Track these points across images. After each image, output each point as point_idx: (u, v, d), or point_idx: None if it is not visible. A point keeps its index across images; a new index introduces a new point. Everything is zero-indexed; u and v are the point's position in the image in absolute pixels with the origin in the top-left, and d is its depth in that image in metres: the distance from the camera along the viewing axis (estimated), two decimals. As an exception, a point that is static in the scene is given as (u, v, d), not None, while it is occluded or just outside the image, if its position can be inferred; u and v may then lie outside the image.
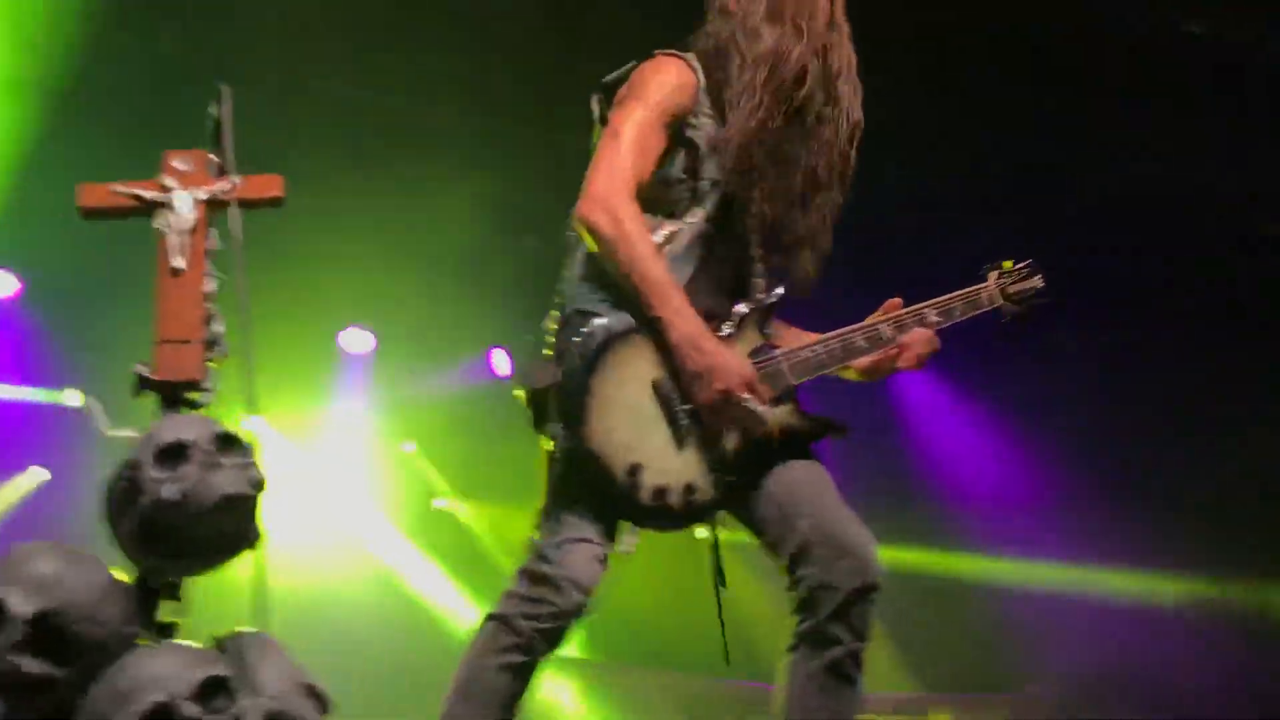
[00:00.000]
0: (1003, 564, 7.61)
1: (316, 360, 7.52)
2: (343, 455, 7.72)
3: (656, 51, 2.54)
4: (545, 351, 2.37)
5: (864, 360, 2.54)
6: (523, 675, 2.34)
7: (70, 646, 1.89)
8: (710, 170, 2.47)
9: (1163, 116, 5.96)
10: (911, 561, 7.37)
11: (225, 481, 1.97)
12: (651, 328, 2.33)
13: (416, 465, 7.82)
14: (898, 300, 2.60)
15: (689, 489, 2.31)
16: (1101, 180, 6.45)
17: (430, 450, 7.81)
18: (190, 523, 1.97)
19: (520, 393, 2.37)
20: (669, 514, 2.32)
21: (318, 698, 2.26)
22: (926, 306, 2.58)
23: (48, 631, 1.87)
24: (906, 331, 2.53)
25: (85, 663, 1.91)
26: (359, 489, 7.65)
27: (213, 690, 1.97)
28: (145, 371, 2.13)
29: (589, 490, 2.32)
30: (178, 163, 2.39)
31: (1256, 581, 6.88)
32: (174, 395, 2.13)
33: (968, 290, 2.64)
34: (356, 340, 7.47)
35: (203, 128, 2.40)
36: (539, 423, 2.35)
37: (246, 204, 2.34)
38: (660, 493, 2.29)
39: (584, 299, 2.40)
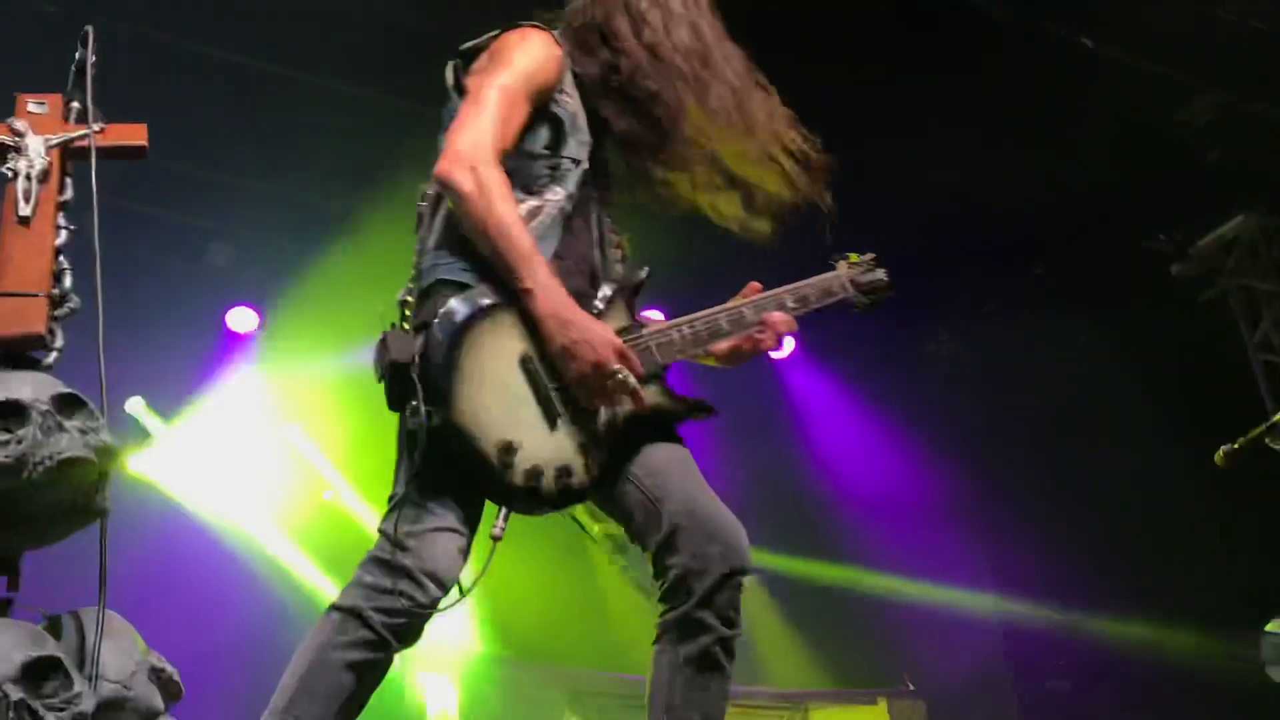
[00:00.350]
0: (877, 574, 7.71)
1: (200, 339, 7.25)
2: (226, 439, 7.45)
3: (520, 23, 2.45)
4: (403, 325, 2.24)
5: (725, 344, 2.51)
6: (372, 673, 2.17)
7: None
8: (572, 149, 2.40)
9: (1043, 124, 6.08)
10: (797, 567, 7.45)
11: (66, 445, 1.82)
12: (516, 300, 2.21)
13: (302, 453, 7.58)
14: (757, 284, 2.58)
15: (563, 471, 2.20)
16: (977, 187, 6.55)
17: (319, 434, 7.57)
18: (26, 489, 1.82)
19: (376, 367, 2.22)
20: (540, 497, 2.18)
21: (166, 682, 2.13)
22: (783, 292, 2.58)
23: None
24: (767, 314, 2.52)
25: (-100, 640, 1.75)
26: (241, 474, 7.38)
27: (44, 672, 1.83)
28: (-18, 325, 1.97)
29: (454, 472, 2.17)
30: (33, 106, 2.24)
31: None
32: (14, 352, 1.97)
33: (820, 278, 2.67)
34: (241, 319, 7.21)
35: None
36: (399, 400, 2.19)
37: (106, 153, 2.18)
38: (534, 474, 2.16)
39: (445, 269, 2.28)
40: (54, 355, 2.01)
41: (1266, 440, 5.92)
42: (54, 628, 1.97)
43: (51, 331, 2.00)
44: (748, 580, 2.28)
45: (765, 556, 7.93)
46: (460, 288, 2.23)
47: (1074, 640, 7.13)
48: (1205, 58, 5.86)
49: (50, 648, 1.84)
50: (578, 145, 2.41)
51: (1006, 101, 5.95)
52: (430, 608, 2.15)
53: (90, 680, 1.89)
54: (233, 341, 7.28)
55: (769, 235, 2.60)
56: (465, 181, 2.22)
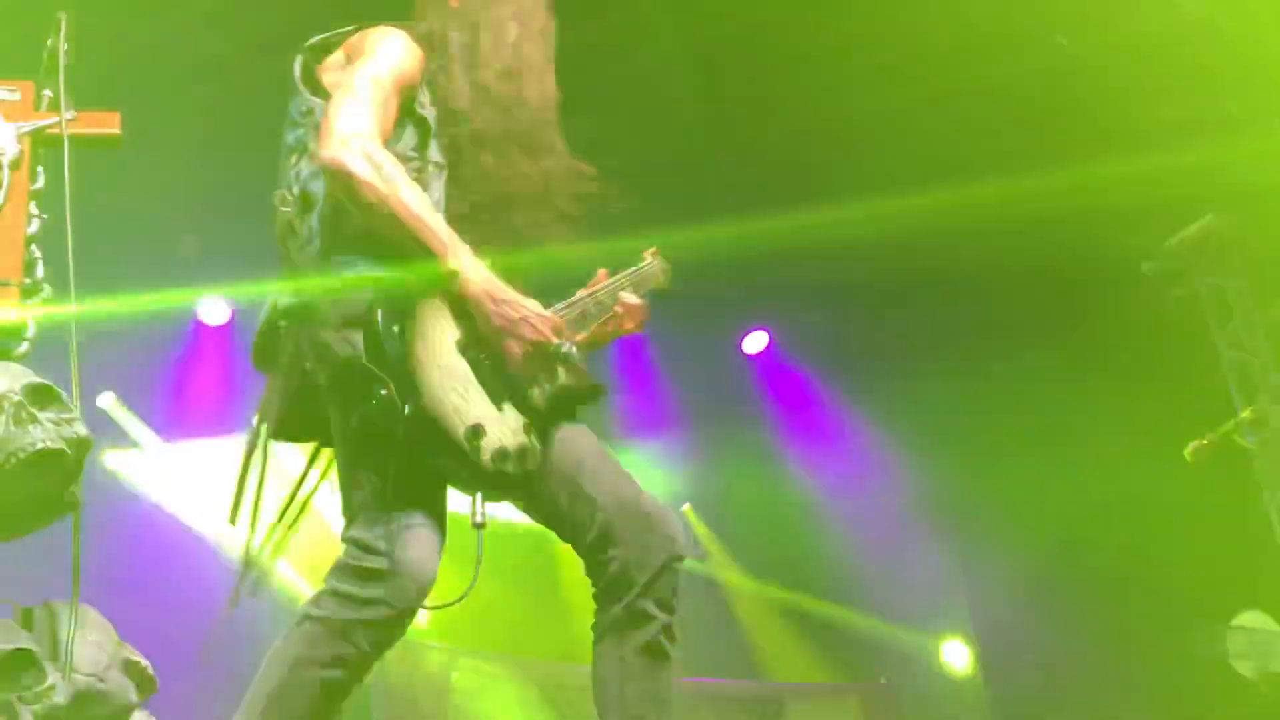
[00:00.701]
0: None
1: (173, 331, 7.20)
2: (198, 432, 7.39)
3: (378, 23, 2.39)
4: (318, 330, 2.12)
5: (594, 327, 2.49)
6: (347, 686, 2.10)
7: None
8: (435, 153, 2.33)
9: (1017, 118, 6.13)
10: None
11: (39, 437, 1.80)
12: (434, 280, 2.13)
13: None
14: (605, 271, 2.56)
15: (521, 452, 2.14)
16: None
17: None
18: (-2, 481, 1.80)
19: (321, 375, 2.12)
20: (508, 479, 2.12)
21: (140, 675, 2.11)
22: (623, 278, 2.57)
23: None
24: (625, 297, 2.51)
25: None
26: (214, 468, 7.33)
27: (17, 665, 1.81)
28: (-48, 314, 1.94)
29: (415, 466, 2.08)
30: (4, 93, 2.21)
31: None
32: (-16, 342, 1.94)
33: (644, 266, 2.67)
34: (213, 311, 7.17)
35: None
36: (359, 397, 2.06)
37: (79, 141, 2.16)
38: (501, 456, 2.09)
39: (347, 266, 2.17)
40: (26, 345, 1.98)
41: (1235, 436, 6.02)
42: (26, 620, 1.95)
43: (24, 321, 1.97)
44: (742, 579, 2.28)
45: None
46: (374, 283, 2.13)
47: (1045, 633, 7.19)
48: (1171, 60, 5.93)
49: (23, 640, 1.82)
50: (439, 149, 2.34)
51: (984, 99, 6.00)
52: (410, 612, 2.09)
53: (63, 673, 1.87)
54: (205, 334, 7.24)
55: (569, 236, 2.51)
56: (361, 166, 2.10)
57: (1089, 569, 6.87)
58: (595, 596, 2.27)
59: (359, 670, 2.12)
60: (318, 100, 2.31)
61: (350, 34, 2.39)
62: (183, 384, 7.32)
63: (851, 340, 7.88)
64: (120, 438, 7.15)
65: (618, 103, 6.07)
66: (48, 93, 2.28)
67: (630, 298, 2.51)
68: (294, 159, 2.32)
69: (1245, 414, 5.95)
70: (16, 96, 2.17)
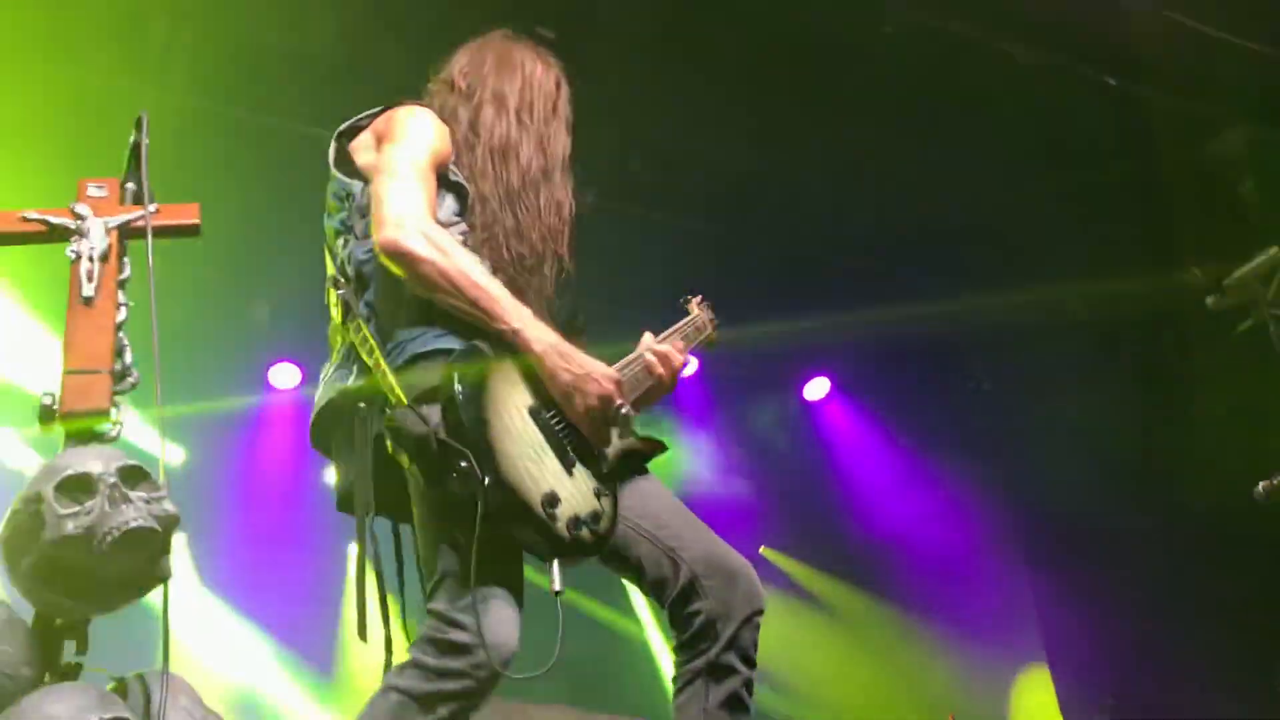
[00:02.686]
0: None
1: (244, 395, 7.38)
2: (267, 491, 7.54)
3: (402, 101, 2.49)
4: (393, 411, 2.12)
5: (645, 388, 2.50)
6: None
7: (-39, 688, 1.81)
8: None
9: (1075, 162, 6.14)
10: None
11: (132, 516, 1.90)
12: (505, 347, 2.19)
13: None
14: (649, 334, 2.58)
15: (595, 517, 2.17)
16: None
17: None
18: (94, 559, 1.90)
19: (402, 456, 2.11)
20: (583, 546, 2.14)
21: (226, 741, 2.19)
22: (670, 334, 2.62)
23: (-63, 672, 1.79)
24: (652, 347, 2.51)
25: (-22, 705, 1.83)
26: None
27: (114, 733, 1.90)
28: (51, 402, 2.06)
29: (493, 536, 2.06)
30: (93, 189, 2.34)
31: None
32: (80, 426, 2.06)
33: (688, 320, 2.74)
34: (284, 376, 7.34)
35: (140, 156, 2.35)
36: (439, 472, 2.07)
37: (162, 232, 2.28)
38: (575, 522, 2.13)
39: (417, 343, 2.20)
40: (117, 428, 2.09)
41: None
42: (120, 689, 2.04)
43: (114, 405, 2.09)
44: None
45: (821, 582, 7.99)
46: (444, 354, 2.17)
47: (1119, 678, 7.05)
48: (1235, 91, 5.91)
49: (119, 709, 1.91)
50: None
51: (1036, 141, 6.03)
52: (492, 683, 2.09)
53: (156, 741, 1.95)
54: (275, 397, 7.41)
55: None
56: (420, 246, 2.16)
57: (1164, 619, 6.72)
58: (677, 649, 2.32)
59: None
60: (353, 182, 2.41)
61: (376, 115, 2.49)
62: (255, 447, 7.49)
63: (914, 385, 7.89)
64: (194, 498, 7.33)
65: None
66: (131, 186, 2.41)
67: (664, 348, 2.49)
68: (341, 241, 2.41)
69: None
70: (104, 193, 2.30)
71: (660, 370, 2.46)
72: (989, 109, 5.80)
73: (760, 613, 2.31)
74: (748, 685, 2.28)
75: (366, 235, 2.34)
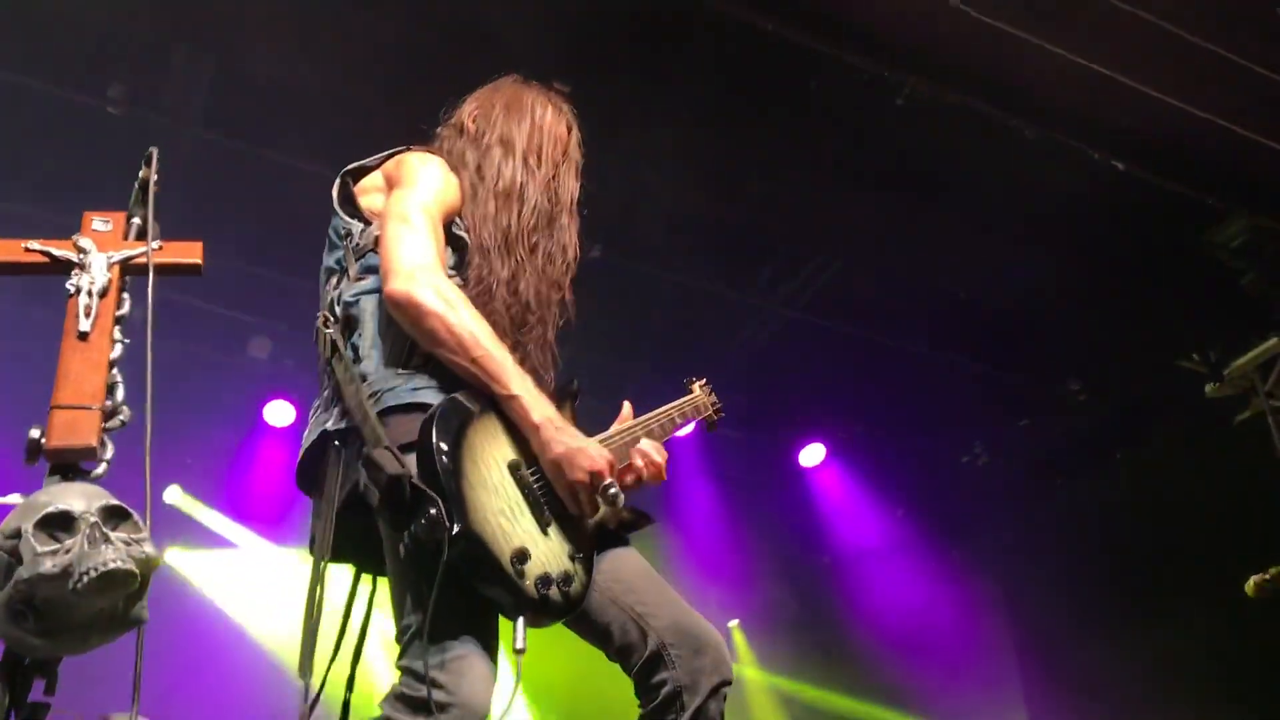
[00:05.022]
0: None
1: (238, 432, 7.36)
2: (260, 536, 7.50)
3: (411, 146, 2.51)
4: (370, 449, 2.09)
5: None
6: None
7: (-75, 725, 1.77)
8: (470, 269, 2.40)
9: (1078, 243, 6.16)
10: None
11: (111, 557, 1.87)
12: (494, 407, 2.19)
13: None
14: (629, 408, 2.55)
15: (564, 579, 2.13)
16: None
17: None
18: (70, 598, 1.87)
19: (373, 494, 2.07)
20: (550, 606, 2.10)
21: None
22: (672, 408, 2.62)
23: (-99, 708, 1.75)
24: (638, 449, 2.43)
25: (-60, 743, 1.79)
26: (275, 572, 7.39)
27: (77, 779, 1.86)
28: (37, 435, 2.04)
29: (465, 590, 2.04)
30: (98, 223, 2.33)
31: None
32: (66, 462, 2.03)
33: (684, 400, 2.72)
34: (279, 413, 7.32)
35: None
36: (406, 517, 2.03)
37: (163, 270, 2.27)
38: (544, 581, 2.09)
39: (399, 393, 2.19)
40: (103, 466, 2.07)
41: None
42: (87, 734, 2.00)
43: (102, 443, 2.06)
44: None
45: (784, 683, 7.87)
46: (422, 408, 2.15)
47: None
48: (1236, 180, 5.95)
49: (83, 755, 1.87)
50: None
51: (1041, 220, 6.06)
52: None
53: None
54: (269, 434, 7.38)
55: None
56: (430, 299, 2.17)
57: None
58: (643, 718, 2.28)
59: None
60: (355, 223, 2.41)
61: (386, 158, 2.50)
62: (246, 484, 7.46)
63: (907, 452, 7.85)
64: (183, 532, 7.29)
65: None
66: (136, 221, 2.40)
67: (654, 454, 2.43)
68: (335, 280, 2.40)
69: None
70: (109, 227, 2.29)
71: (645, 475, 2.41)
72: (992, 186, 5.85)
73: (728, 683, 2.28)
74: None
75: (359, 277, 2.35)
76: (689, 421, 2.72)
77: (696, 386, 2.80)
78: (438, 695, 2.01)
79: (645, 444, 2.44)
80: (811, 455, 7.89)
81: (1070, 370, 7.18)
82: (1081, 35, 5.10)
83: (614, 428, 2.48)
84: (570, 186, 2.61)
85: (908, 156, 5.76)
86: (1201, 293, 6.45)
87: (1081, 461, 7.36)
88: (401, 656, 2.11)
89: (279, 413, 7.28)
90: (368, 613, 2.37)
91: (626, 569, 2.34)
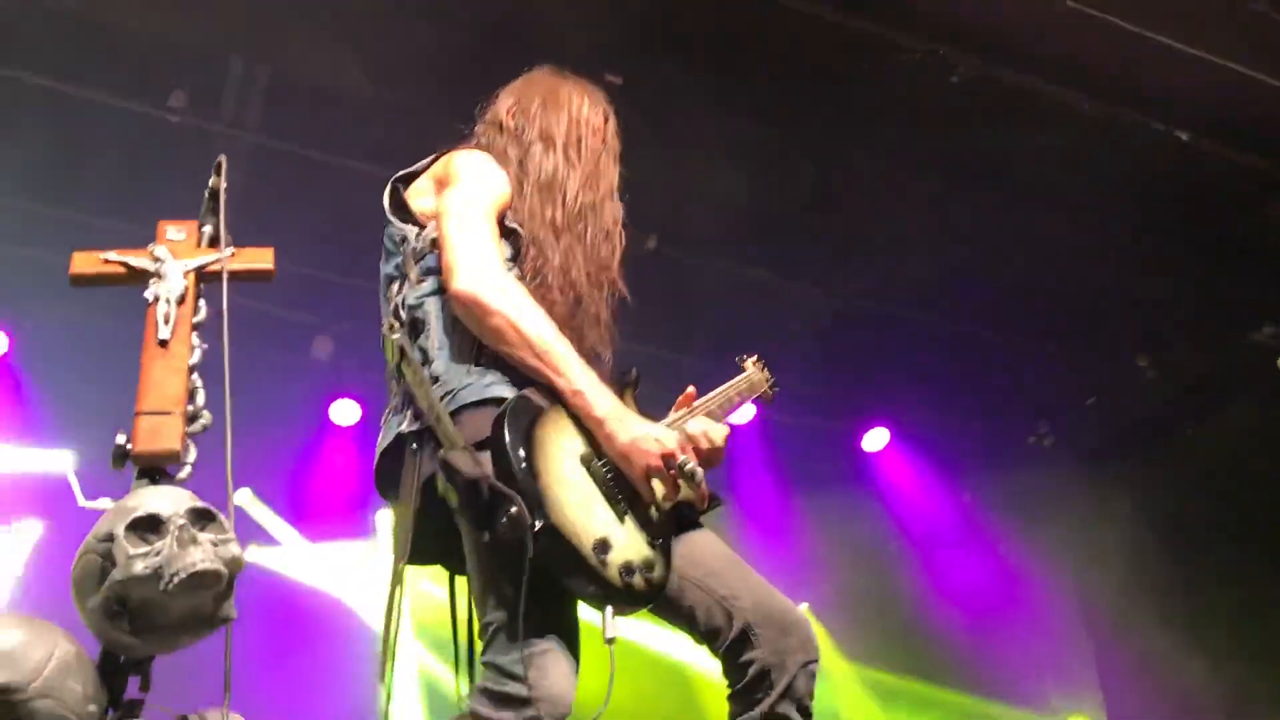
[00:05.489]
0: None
1: (304, 432, 7.46)
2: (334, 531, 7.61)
3: (460, 145, 2.53)
4: (447, 452, 2.12)
5: None
6: None
7: (28, 723, 1.84)
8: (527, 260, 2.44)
9: (1143, 218, 6.06)
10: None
11: (199, 558, 1.92)
12: (559, 402, 2.22)
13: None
14: (691, 391, 2.56)
15: (648, 565, 2.16)
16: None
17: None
18: (161, 598, 1.93)
19: (452, 496, 2.11)
20: (635, 593, 2.13)
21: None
22: (729, 388, 2.63)
23: (5, 706, 1.82)
24: (706, 434, 2.43)
25: (43, 740, 1.85)
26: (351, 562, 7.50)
27: (174, 773, 1.91)
28: (123, 442, 2.10)
29: (546, 584, 2.05)
30: (172, 232, 2.39)
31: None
32: (151, 467, 2.09)
33: (741, 379, 2.74)
34: (345, 412, 7.40)
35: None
36: (487, 517, 2.06)
37: (236, 276, 2.32)
38: (628, 569, 2.12)
39: (471, 390, 2.22)
40: (187, 469, 2.13)
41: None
42: (182, 729, 2.06)
43: (186, 447, 2.12)
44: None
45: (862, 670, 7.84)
46: (496, 403, 2.19)
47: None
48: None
49: (179, 750, 1.93)
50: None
51: (1103, 196, 5.96)
52: None
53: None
54: (335, 434, 7.47)
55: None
56: (496, 298, 2.22)
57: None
58: (731, 698, 2.30)
59: None
60: (410, 227, 2.44)
61: (432, 162, 2.53)
62: (313, 485, 7.56)
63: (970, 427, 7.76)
64: (254, 534, 7.41)
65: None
66: (208, 229, 2.46)
67: (712, 432, 2.44)
68: (396, 286, 2.43)
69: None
70: (182, 236, 2.35)
71: (705, 456, 2.40)
72: (1051, 162, 5.77)
73: (815, 661, 2.30)
74: None
75: (419, 280, 2.38)
76: (745, 400, 2.74)
77: (749, 364, 2.82)
78: (519, 689, 2.04)
79: (699, 423, 2.44)
80: (875, 440, 7.83)
81: (1138, 347, 7.06)
82: (1141, 3, 5.00)
83: (672, 414, 2.50)
84: (610, 173, 2.64)
85: (964, 136, 5.70)
86: (1271, 264, 6.31)
87: (1151, 440, 7.24)
88: (485, 652, 2.14)
89: (345, 412, 7.36)
90: (469, 610, 2.36)
91: (705, 552, 2.36)
